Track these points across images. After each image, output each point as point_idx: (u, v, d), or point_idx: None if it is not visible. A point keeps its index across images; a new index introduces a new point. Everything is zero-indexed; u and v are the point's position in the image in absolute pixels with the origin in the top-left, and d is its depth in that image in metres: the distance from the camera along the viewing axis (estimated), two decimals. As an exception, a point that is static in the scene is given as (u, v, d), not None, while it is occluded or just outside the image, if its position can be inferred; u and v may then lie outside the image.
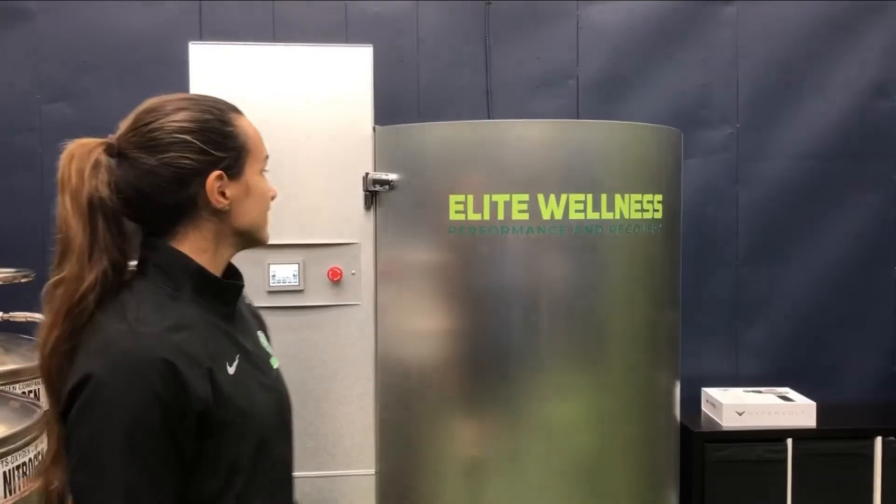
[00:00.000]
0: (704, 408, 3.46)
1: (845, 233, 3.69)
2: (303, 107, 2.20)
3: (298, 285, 2.19)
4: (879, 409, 3.58)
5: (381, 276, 2.24)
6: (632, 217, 2.16)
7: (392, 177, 2.19)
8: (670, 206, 2.29)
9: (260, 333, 1.40)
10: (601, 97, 3.65)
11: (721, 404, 3.27)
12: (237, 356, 1.22)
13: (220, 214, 1.24)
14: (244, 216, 1.27)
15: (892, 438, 3.20)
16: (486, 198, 2.10)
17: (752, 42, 3.68)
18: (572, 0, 3.65)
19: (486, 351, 2.15)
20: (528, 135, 2.18)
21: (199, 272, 1.23)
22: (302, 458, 2.21)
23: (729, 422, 3.22)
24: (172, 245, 1.22)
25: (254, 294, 2.17)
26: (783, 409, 3.26)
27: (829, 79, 3.68)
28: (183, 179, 1.20)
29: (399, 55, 3.59)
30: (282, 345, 2.19)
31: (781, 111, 3.69)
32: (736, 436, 3.19)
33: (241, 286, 1.33)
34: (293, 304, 2.19)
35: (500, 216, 2.10)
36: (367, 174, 2.20)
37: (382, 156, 2.23)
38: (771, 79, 3.68)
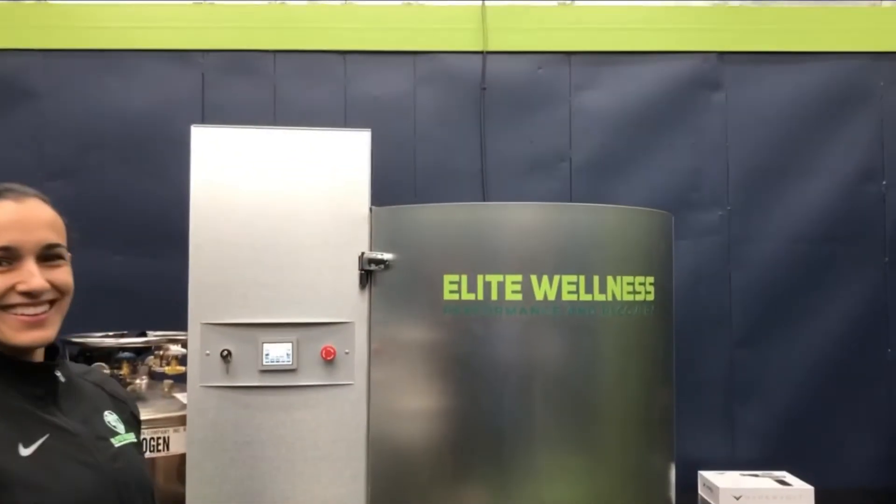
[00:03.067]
0: (701, 491, 3.40)
1: (838, 314, 3.71)
2: (301, 187, 2.24)
3: (292, 364, 2.18)
4: (878, 493, 3.53)
5: (375, 355, 2.24)
6: (624, 299, 2.18)
7: (387, 256, 2.22)
8: (662, 288, 2.31)
9: (108, 413, 1.37)
10: (594, 179, 3.72)
11: (718, 488, 3.22)
12: (42, 436, 1.19)
13: None
14: None
15: (892, 525, 3.14)
16: (480, 278, 2.12)
17: (742, 127, 3.77)
18: (565, 86, 3.75)
19: (480, 431, 2.14)
20: (521, 217, 2.22)
21: None
22: (291, 541, 2.18)
23: (726, 506, 3.17)
24: None
25: (246, 373, 2.18)
26: (781, 493, 3.21)
27: (817, 163, 3.76)
28: None
29: (397, 138, 3.67)
30: (273, 424, 2.18)
31: (771, 194, 3.76)
32: (733, 521, 3.13)
33: (50, 366, 1.28)
34: (286, 383, 2.19)
35: (494, 296, 2.12)
36: (362, 253, 2.23)
37: (378, 236, 2.26)
38: (760, 162, 3.76)
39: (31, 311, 1.21)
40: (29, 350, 1.25)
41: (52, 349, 1.30)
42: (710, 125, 3.77)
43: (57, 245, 1.25)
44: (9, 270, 1.20)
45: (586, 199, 3.31)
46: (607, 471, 2.21)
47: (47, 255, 1.24)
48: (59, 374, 1.30)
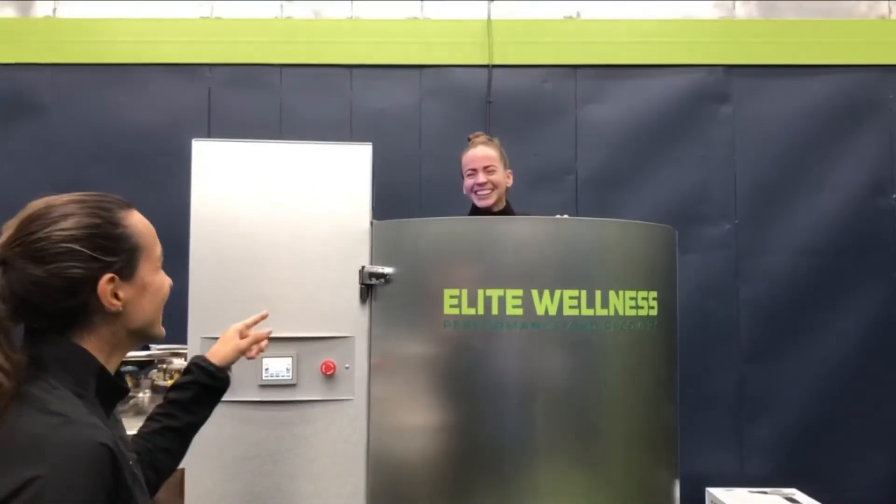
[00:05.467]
0: (709, 509, 3.37)
1: (848, 329, 3.67)
2: (302, 201, 2.23)
3: (291, 379, 2.17)
4: (889, 512, 3.49)
5: (375, 369, 2.22)
6: (626, 314, 2.16)
7: (388, 270, 2.20)
8: (666, 303, 2.28)
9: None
10: (600, 192, 3.70)
11: (725, 505, 3.19)
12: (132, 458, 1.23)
13: (114, 316, 1.22)
14: (139, 315, 1.26)
15: (903, 544, 3.10)
16: (481, 293, 2.10)
17: (749, 140, 3.75)
18: (571, 99, 3.75)
19: (480, 447, 2.12)
20: (522, 231, 2.21)
21: (102, 373, 1.21)
22: (289, 558, 2.16)
23: (734, 524, 3.14)
24: (74, 341, 1.20)
25: (245, 388, 2.17)
26: (790, 511, 3.17)
27: (826, 176, 3.74)
28: (73, 288, 1.18)
29: (402, 151, 3.67)
30: (272, 440, 2.17)
31: (780, 207, 3.73)
32: (741, 539, 3.10)
33: (128, 390, 1.33)
34: (285, 398, 2.17)
35: (495, 311, 2.10)
36: (363, 267, 2.22)
37: (379, 250, 2.25)
38: (768, 175, 3.74)
39: None
40: None
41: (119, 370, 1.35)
42: (718, 138, 3.75)
43: None
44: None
45: (593, 212, 3.30)
46: (610, 488, 2.18)
47: None
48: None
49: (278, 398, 2.17)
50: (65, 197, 1.24)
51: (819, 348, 3.67)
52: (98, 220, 1.22)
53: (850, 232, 3.72)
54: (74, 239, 1.18)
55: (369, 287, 2.23)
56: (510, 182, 3.00)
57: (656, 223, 2.30)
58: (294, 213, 2.22)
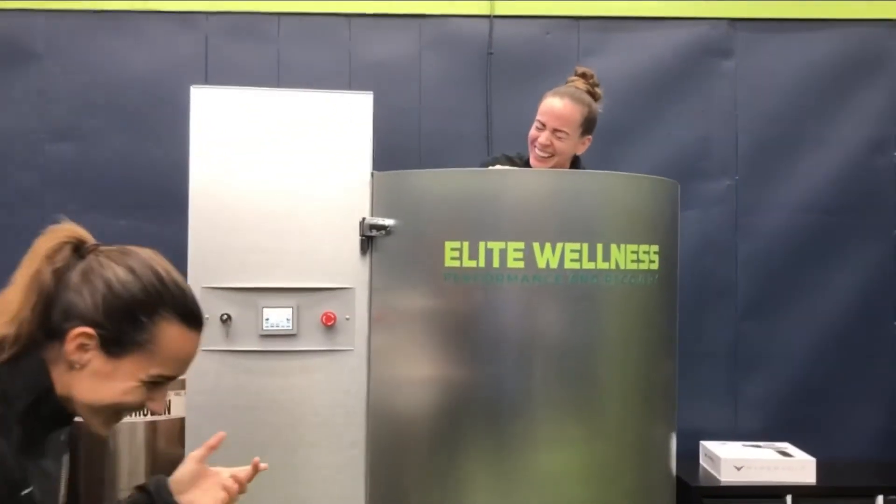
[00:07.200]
0: (702, 462, 3.41)
1: (845, 286, 3.68)
2: (302, 151, 2.21)
3: (292, 329, 2.17)
4: (880, 466, 3.53)
5: (375, 321, 2.22)
6: (627, 267, 2.15)
7: (388, 222, 2.19)
8: (667, 258, 2.28)
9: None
10: (601, 147, 3.65)
11: (719, 458, 3.22)
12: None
13: (69, 366, 1.18)
14: (85, 392, 1.19)
15: (894, 497, 3.14)
16: (482, 245, 2.10)
17: (751, 95, 3.71)
18: (573, 51, 3.70)
19: (479, 399, 2.13)
20: (524, 184, 2.19)
21: (47, 395, 1.19)
22: (289, 506, 2.19)
23: (727, 476, 3.18)
24: (41, 355, 1.19)
25: (246, 338, 2.17)
26: (783, 464, 3.21)
27: (828, 133, 3.70)
28: (68, 313, 1.18)
29: (402, 102, 3.62)
30: (273, 389, 2.18)
31: (780, 164, 3.71)
32: (734, 491, 3.14)
33: (69, 422, 1.29)
34: (286, 348, 2.18)
35: (496, 264, 2.10)
36: (363, 219, 2.21)
37: (380, 201, 2.23)
38: (770, 132, 3.71)
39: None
40: None
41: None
42: (720, 93, 3.71)
43: None
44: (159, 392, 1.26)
45: (592, 166, 3.27)
46: (607, 440, 2.20)
47: None
48: None
49: (279, 348, 2.18)
50: (155, 260, 1.26)
51: (815, 306, 3.67)
52: (139, 297, 1.20)
53: (850, 190, 3.69)
54: (107, 286, 1.19)
55: (370, 239, 2.22)
56: (584, 149, 2.73)
57: (659, 177, 2.29)
58: (294, 162, 2.20)
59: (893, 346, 3.68)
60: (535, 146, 2.60)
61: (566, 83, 2.71)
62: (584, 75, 2.72)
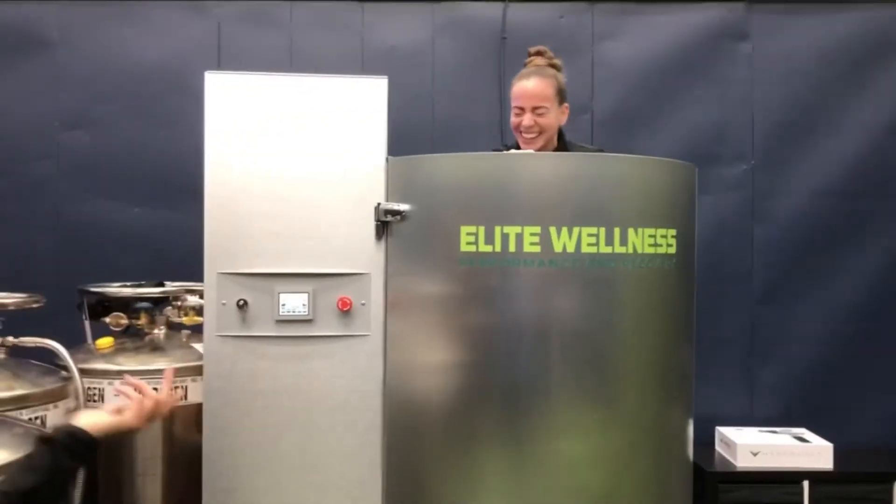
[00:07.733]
0: (718, 447, 3.40)
1: (862, 271, 3.65)
2: (317, 136, 2.20)
3: (308, 315, 2.17)
4: (897, 451, 3.51)
5: (391, 306, 2.22)
6: (645, 251, 2.14)
7: (404, 207, 2.18)
8: (684, 242, 2.26)
9: None
10: (616, 132, 3.65)
11: (735, 444, 3.21)
12: None
13: None
14: None
15: (912, 482, 3.13)
16: (498, 230, 2.08)
17: (768, 79, 3.68)
18: (587, 35, 3.67)
19: (495, 385, 2.12)
20: (540, 168, 2.18)
21: None
22: (306, 492, 2.19)
23: (743, 462, 3.17)
24: None
25: (262, 323, 2.17)
26: (799, 450, 3.20)
27: (845, 117, 3.67)
28: None
29: (415, 88, 3.62)
30: (289, 374, 2.18)
31: (797, 148, 3.68)
32: (750, 477, 3.13)
33: None
34: (302, 333, 2.18)
35: (512, 248, 2.08)
36: (378, 204, 2.20)
37: (395, 186, 2.22)
38: (786, 116, 3.68)
39: None
40: None
41: None
42: (736, 77, 3.68)
43: None
44: None
45: (608, 150, 3.24)
46: (624, 426, 2.19)
47: None
48: None
49: (295, 333, 2.17)
50: None
51: (832, 290, 3.66)
52: None
53: (867, 174, 3.66)
54: None
55: (385, 224, 2.21)
56: (565, 119, 2.77)
57: (677, 160, 2.27)
58: (309, 148, 2.19)
59: (912, 332, 3.66)
60: (520, 131, 2.70)
61: (525, 65, 2.79)
62: (539, 52, 2.80)
